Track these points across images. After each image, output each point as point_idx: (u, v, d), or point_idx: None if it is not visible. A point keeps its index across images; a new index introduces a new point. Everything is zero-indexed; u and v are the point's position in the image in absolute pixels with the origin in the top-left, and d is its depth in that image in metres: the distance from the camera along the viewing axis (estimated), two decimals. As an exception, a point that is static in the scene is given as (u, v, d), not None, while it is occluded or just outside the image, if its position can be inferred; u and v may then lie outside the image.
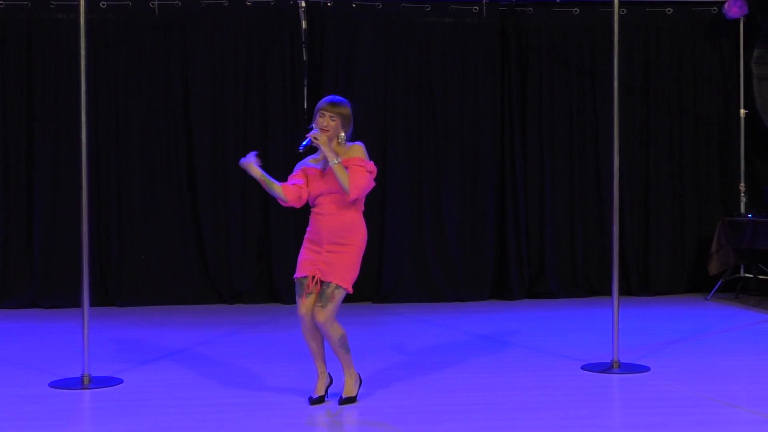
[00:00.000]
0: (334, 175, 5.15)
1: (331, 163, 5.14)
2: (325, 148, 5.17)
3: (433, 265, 9.36)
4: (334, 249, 5.19)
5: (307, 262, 5.22)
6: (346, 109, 5.28)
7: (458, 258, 9.36)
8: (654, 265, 9.62)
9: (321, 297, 5.15)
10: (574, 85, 9.56)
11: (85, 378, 5.83)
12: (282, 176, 9.03)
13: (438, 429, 4.85)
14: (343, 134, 5.24)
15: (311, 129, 5.23)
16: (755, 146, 9.73)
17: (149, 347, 7.05)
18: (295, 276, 5.25)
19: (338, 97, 5.32)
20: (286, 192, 5.26)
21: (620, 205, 6.41)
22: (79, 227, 6.09)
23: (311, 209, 5.31)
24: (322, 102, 5.29)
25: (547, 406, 5.27)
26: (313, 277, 5.17)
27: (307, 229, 5.30)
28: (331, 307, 5.14)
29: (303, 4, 9.25)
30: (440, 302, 9.25)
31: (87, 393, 5.69)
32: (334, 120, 5.22)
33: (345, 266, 5.19)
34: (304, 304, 5.19)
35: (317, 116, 5.24)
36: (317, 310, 5.15)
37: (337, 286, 5.14)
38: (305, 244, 5.29)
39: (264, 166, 9.03)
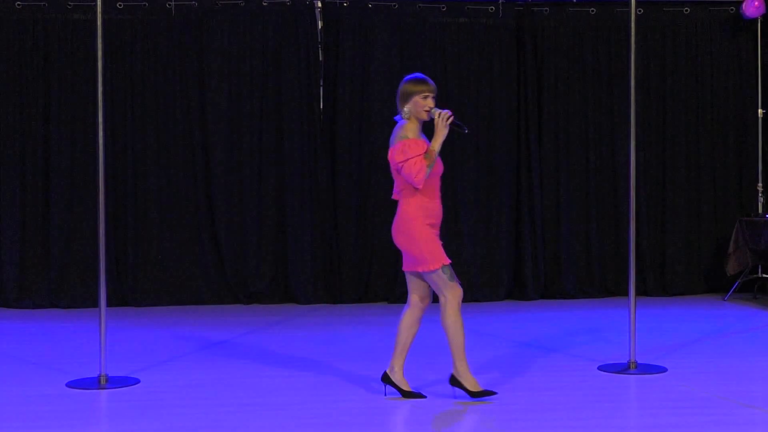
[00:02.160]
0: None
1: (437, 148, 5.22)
2: (446, 131, 5.19)
3: (448, 265, 9.33)
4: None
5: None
6: None
7: (474, 258, 9.34)
8: (670, 265, 9.57)
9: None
10: (590, 84, 9.52)
11: (102, 378, 5.85)
12: (299, 176, 9.16)
13: (454, 429, 4.84)
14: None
15: (435, 108, 5.22)
16: (773, 146, 9.68)
17: (165, 347, 7.06)
18: (448, 262, 5.26)
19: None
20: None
21: (636, 205, 6.37)
22: (96, 227, 6.11)
23: (424, 192, 5.22)
24: (427, 81, 5.24)
25: (563, 407, 5.26)
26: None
27: (423, 214, 5.23)
28: None
29: (319, 5, 9.25)
30: (456, 302, 9.21)
31: (104, 393, 5.72)
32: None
33: None
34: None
35: (423, 96, 5.20)
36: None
37: None
38: (432, 230, 5.26)
39: (280, 166, 9.21)
